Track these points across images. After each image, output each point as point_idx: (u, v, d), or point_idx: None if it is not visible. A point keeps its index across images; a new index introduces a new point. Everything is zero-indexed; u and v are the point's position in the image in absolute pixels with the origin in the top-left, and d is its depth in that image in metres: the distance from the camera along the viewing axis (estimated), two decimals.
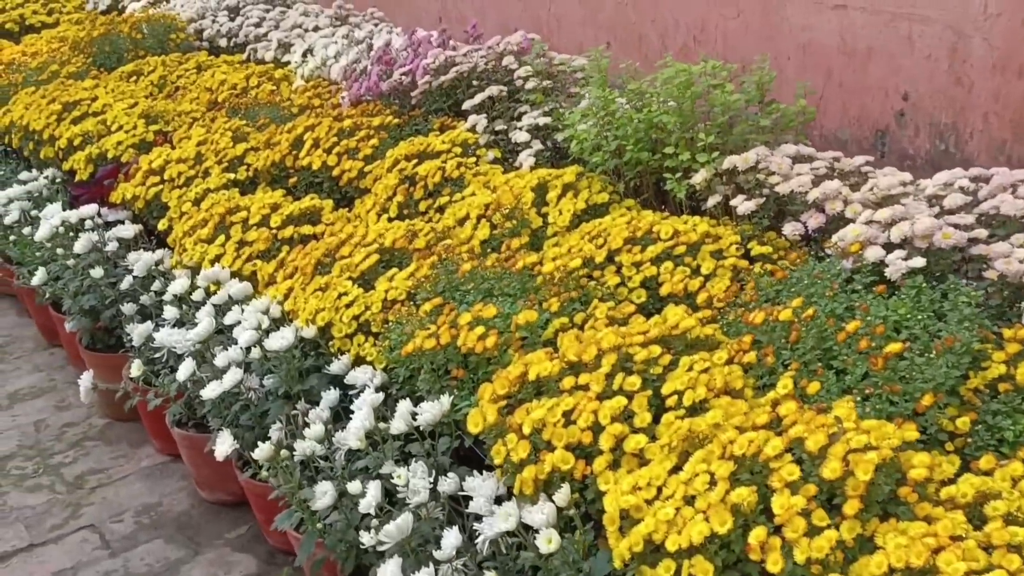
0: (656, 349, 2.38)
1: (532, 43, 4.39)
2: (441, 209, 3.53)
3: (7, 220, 4.54)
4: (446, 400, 2.55)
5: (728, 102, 3.25)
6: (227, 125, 4.23)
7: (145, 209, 4.01)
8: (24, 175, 4.80)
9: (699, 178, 3.16)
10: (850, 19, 3.88)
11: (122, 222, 4.00)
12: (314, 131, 3.96)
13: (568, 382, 2.37)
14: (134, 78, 5.31)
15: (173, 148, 4.32)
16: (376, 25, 5.56)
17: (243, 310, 3.12)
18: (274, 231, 3.56)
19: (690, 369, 2.33)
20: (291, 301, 3.16)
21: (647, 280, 2.85)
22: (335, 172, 3.82)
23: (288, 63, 5.24)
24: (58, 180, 4.61)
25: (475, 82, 4.25)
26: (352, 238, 3.28)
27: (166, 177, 4.00)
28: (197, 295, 3.32)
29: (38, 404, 4.06)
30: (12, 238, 4.44)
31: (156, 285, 3.63)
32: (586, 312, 2.73)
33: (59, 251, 3.88)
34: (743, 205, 3.01)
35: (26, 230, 4.31)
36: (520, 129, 3.88)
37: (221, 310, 3.23)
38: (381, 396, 2.62)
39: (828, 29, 3.99)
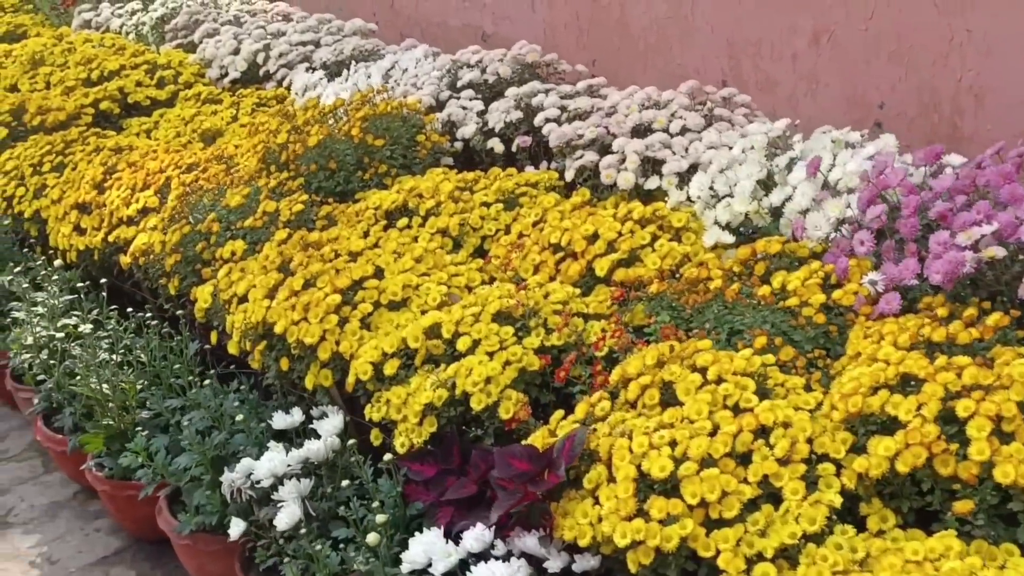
0: None
1: None
2: None
3: (280, 523, 2.50)
4: None
5: None
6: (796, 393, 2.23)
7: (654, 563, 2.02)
8: (281, 419, 2.75)
9: None
10: None
11: None
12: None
13: None
14: (405, 220, 3.27)
15: (609, 395, 2.34)
16: (755, 120, 3.60)
17: None
18: None
19: None
20: None
21: None
22: None
23: (653, 189, 3.25)
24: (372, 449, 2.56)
25: None
26: None
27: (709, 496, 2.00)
28: None
29: None
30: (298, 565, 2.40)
31: None
32: None
33: None
34: None
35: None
36: None
37: None
38: None
39: None
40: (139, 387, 3.18)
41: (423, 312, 2.79)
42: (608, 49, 5.29)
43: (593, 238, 2.96)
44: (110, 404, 3.14)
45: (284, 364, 2.83)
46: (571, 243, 2.98)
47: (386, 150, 3.63)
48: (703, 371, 2.28)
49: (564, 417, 2.40)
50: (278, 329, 2.78)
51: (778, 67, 4.51)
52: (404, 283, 2.85)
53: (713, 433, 2.11)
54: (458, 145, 3.88)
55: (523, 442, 2.36)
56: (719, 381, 2.24)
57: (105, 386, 3.14)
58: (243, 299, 3.00)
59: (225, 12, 5.73)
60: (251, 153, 3.79)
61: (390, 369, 2.62)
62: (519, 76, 4.18)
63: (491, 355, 2.55)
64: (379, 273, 2.93)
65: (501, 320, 2.66)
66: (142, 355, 3.28)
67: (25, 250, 4.03)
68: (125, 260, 3.56)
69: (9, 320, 3.83)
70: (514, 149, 3.75)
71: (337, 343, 2.71)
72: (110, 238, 3.66)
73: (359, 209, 3.39)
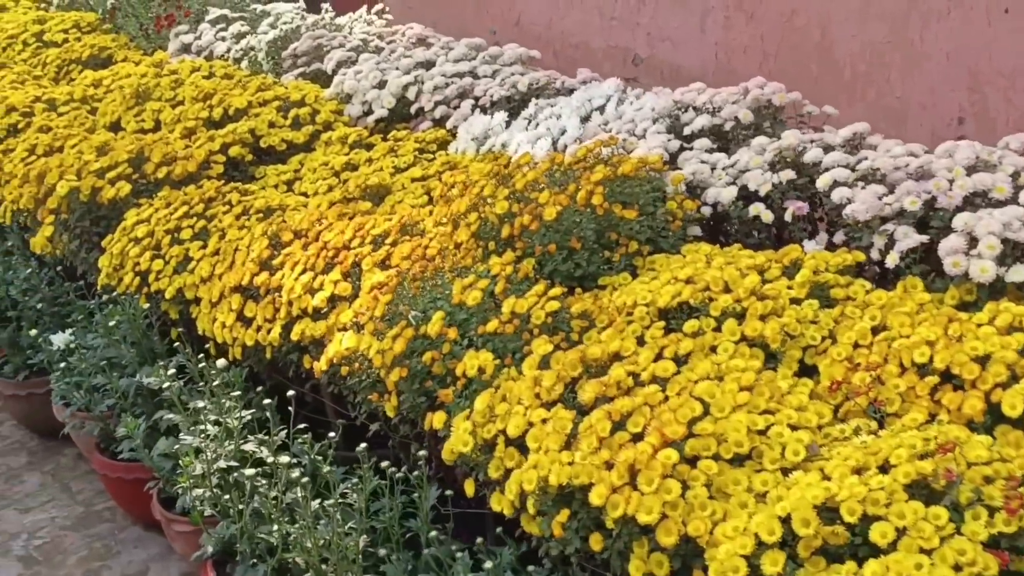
0: None
1: None
2: None
3: None
4: None
5: None
6: None
7: None
8: None
9: None
10: None
11: None
12: None
13: None
14: (694, 323, 2.52)
15: None
16: None
17: None
18: None
19: None
20: None
21: None
22: None
23: (1019, 283, 2.51)
24: None
25: None
26: None
27: None
28: None
29: None
30: None
31: None
32: None
33: None
34: None
35: None
36: None
37: None
38: None
39: None
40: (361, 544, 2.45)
41: (784, 472, 2.05)
42: (803, 78, 4.53)
43: (984, 359, 2.22)
44: (326, 568, 2.41)
45: (596, 543, 2.09)
46: (954, 365, 2.23)
47: (635, 223, 2.90)
48: None
49: None
50: (594, 499, 2.03)
51: None
52: (748, 425, 2.11)
53: None
54: (705, 210, 3.14)
55: None
56: None
57: (321, 543, 2.41)
58: (514, 441, 2.26)
59: (349, 35, 5.01)
60: (454, 224, 3.05)
61: (772, 567, 1.87)
62: (759, 121, 3.43)
63: (928, 552, 1.81)
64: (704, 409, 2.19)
65: (918, 492, 1.92)
66: (355, 497, 2.54)
67: (170, 341, 3.28)
68: (319, 367, 2.82)
69: (152, 425, 3.13)
70: (788, 218, 3.01)
71: (684, 522, 1.97)
72: (292, 335, 2.93)
73: (622, 305, 2.65)
